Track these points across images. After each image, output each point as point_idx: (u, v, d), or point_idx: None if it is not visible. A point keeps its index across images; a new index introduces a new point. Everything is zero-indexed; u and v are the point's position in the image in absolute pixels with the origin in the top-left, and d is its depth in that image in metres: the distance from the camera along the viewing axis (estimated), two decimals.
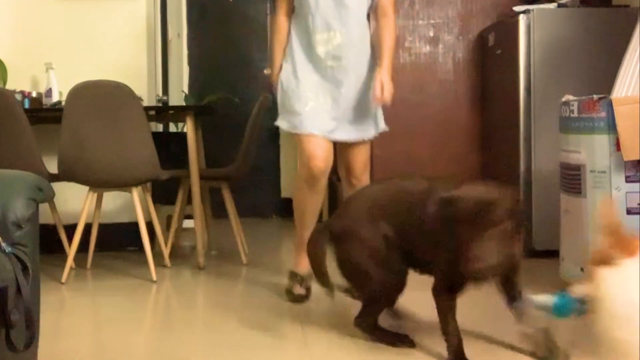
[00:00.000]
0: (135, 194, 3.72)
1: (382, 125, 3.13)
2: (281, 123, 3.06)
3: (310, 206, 3.06)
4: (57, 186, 2.85)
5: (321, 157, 2.93)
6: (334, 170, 3.10)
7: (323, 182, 3.01)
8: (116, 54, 4.53)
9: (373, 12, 3.10)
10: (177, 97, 5.76)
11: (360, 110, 3.03)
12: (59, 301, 3.35)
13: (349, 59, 2.98)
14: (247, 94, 5.81)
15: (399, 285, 2.39)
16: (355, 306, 2.53)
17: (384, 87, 2.90)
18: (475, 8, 4.56)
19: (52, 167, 3.74)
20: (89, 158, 3.61)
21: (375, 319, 2.46)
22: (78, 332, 2.83)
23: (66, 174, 3.70)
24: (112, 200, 4.34)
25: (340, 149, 3.08)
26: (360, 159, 3.09)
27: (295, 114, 2.96)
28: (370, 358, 2.38)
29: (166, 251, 4.00)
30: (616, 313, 1.26)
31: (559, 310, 1.85)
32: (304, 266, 3.02)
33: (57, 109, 3.98)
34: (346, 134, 3.02)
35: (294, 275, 3.14)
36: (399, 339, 2.42)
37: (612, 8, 4.06)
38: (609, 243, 1.34)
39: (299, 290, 3.07)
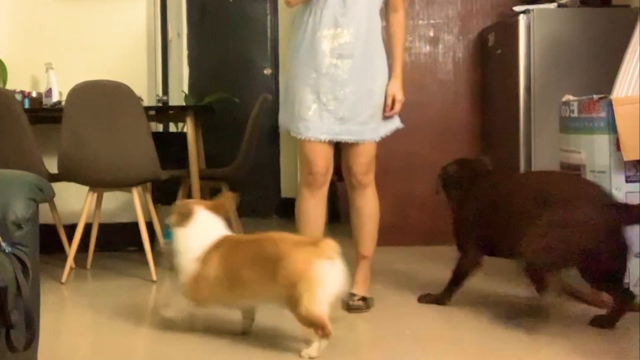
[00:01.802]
0: (135, 194, 3.72)
1: (397, 123, 3.02)
2: (288, 127, 2.96)
3: (313, 216, 2.99)
4: (57, 186, 2.84)
5: (321, 163, 2.92)
6: (335, 170, 3.07)
7: (324, 188, 2.98)
8: (116, 54, 4.52)
9: (384, 7, 3.00)
10: (177, 97, 5.75)
11: (368, 110, 2.92)
12: (59, 301, 3.35)
13: (356, 58, 2.86)
14: (247, 94, 5.80)
15: None
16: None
17: (395, 100, 2.93)
18: (475, 8, 4.56)
19: (52, 167, 3.74)
20: (89, 158, 3.61)
21: None
22: (78, 332, 2.83)
23: (66, 174, 3.69)
24: (112, 200, 4.34)
25: (344, 149, 3.00)
26: (363, 160, 2.97)
27: (301, 119, 2.89)
28: (371, 357, 2.38)
29: None
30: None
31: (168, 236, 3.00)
32: None
33: (57, 109, 3.98)
34: (351, 134, 2.91)
35: None
36: None
37: (612, 8, 4.05)
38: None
39: None
